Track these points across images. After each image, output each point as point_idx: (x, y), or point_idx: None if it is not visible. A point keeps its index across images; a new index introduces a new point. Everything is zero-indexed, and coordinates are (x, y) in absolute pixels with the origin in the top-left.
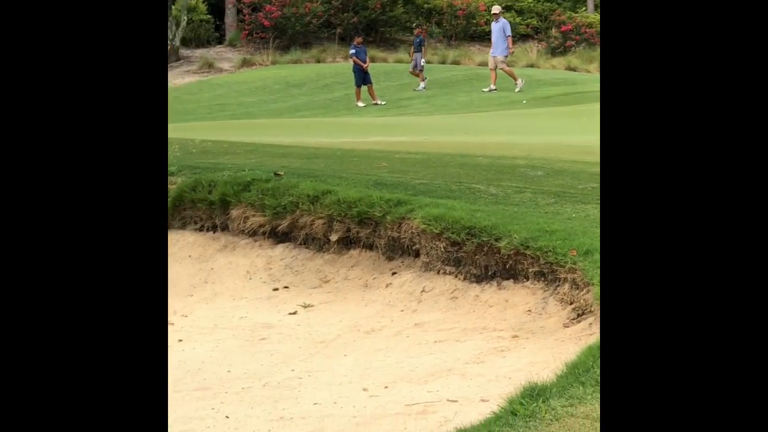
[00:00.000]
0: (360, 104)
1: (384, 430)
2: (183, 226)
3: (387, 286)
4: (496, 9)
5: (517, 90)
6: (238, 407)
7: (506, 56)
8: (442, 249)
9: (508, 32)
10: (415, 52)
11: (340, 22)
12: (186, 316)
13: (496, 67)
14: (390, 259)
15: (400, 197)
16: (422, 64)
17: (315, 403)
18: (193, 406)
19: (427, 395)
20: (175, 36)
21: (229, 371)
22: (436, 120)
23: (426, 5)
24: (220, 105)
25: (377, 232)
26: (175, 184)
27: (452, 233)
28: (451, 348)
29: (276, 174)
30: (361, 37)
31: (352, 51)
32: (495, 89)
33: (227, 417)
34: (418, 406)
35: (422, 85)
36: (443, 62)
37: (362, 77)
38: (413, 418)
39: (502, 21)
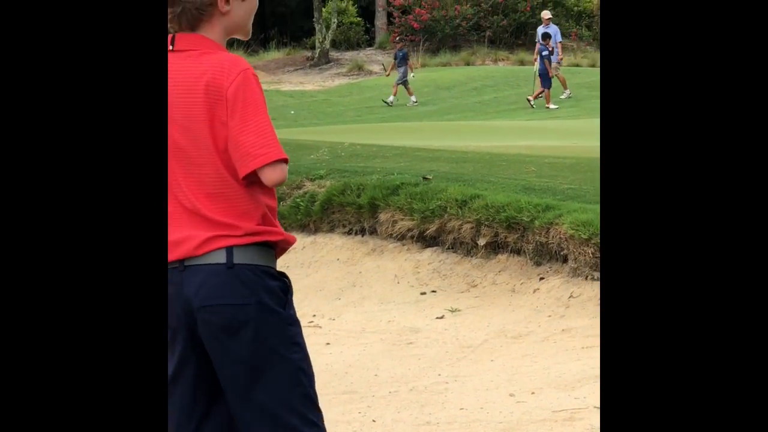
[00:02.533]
0: (552, 106)
1: None
2: (331, 230)
3: (534, 291)
4: (545, 14)
5: (563, 96)
6: (385, 411)
7: (558, 62)
8: (591, 254)
9: (558, 38)
10: (398, 66)
11: (489, 25)
12: (334, 320)
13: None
14: (538, 264)
15: (549, 202)
16: (404, 78)
17: (461, 408)
18: (340, 409)
19: (574, 402)
20: (325, 38)
21: (376, 375)
22: (585, 124)
23: (576, 8)
24: (369, 108)
25: (525, 237)
26: (324, 187)
27: None
28: (598, 354)
29: (424, 178)
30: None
31: (545, 52)
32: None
33: (374, 421)
34: (565, 412)
35: (391, 98)
36: (593, 65)
37: (550, 79)
38: (560, 425)
39: (553, 27)
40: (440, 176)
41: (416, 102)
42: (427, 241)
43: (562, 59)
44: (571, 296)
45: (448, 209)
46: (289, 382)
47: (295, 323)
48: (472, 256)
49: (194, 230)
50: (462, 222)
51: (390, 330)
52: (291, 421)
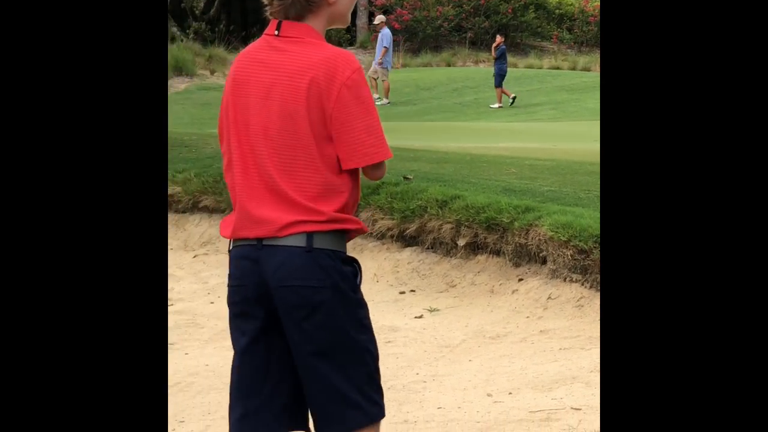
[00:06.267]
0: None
1: None
2: None
3: (513, 292)
4: (378, 19)
5: (379, 103)
6: None
7: (386, 68)
8: (569, 256)
9: (385, 43)
10: None
11: (470, 26)
12: None
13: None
14: (517, 265)
15: (528, 204)
16: None
17: (439, 408)
18: None
19: (551, 402)
20: None
21: None
22: (565, 126)
23: (557, 11)
24: None
25: (504, 238)
26: None
27: (580, 241)
28: (575, 356)
29: (405, 178)
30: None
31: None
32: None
33: None
34: (542, 413)
35: None
36: (573, 68)
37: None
38: (536, 425)
39: (383, 31)
40: (421, 176)
41: None
42: (406, 240)
43: (380, 63)
44: (549, 297)
45: (429, 209)
46: (356, 362)
47: (364, 306)
48: (451, 257)
49: (276, 211)
50: (442, 222)
51: None
52: (355, 398)
